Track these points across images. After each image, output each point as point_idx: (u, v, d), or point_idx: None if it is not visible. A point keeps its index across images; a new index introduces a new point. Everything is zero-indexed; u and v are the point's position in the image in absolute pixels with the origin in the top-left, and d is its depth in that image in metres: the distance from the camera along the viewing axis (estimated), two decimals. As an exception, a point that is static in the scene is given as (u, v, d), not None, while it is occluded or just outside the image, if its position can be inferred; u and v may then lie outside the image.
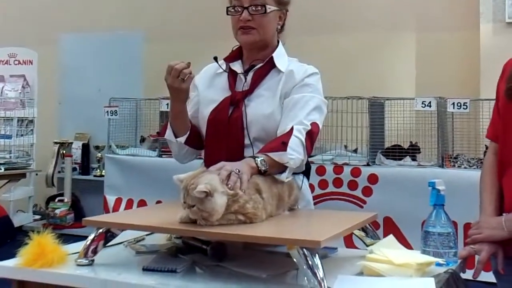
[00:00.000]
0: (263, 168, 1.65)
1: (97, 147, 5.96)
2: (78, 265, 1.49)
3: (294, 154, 1.74)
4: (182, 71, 1.79)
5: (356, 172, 4.19)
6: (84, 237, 1.55)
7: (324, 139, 4.32)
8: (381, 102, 4.42)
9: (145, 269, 1.45)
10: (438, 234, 1.55)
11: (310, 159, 2.00)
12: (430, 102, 4.13)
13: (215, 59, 1.98)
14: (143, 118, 5.44)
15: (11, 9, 6.91)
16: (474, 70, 4.74)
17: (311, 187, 2.09)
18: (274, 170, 1.70)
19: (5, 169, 5.22)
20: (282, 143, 1.74)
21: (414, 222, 3.68)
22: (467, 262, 1.63)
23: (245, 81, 1.93)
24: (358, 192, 4.16)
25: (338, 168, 4.23)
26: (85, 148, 6.14)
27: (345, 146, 4.46)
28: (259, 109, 1.87)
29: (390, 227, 3.87)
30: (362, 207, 4.10)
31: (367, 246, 1.66)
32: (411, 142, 4.36)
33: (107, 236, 1.54)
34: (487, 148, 1.98)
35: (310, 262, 1.29)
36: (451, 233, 1.56)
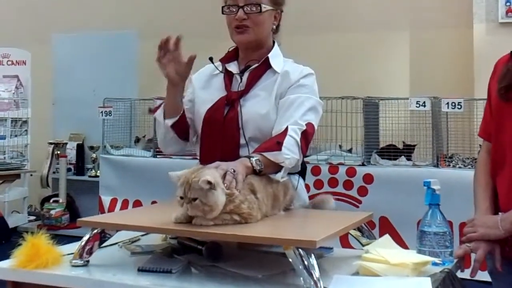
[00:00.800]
0: (258, 168, 1.65)
1: (91, 148, 5.95)
2: (73, 266, 1.48)
3: (289, 154, 1.74)
4: (162, 43, 1.82)
5: (351, 172, 4.19)
6: (80, 238, 1.55)
7: (318, 139, 4.32)
8: (376, 102, 4.43)
9: (140, 270, 1.44)
10: (434, 233, 1.55)
11: (305, 159, 2.00)
12: (424, 102, 4.14)
13: (211, 59, 1.98)
14: (138, 119, 5.43)
15: (4, 9, 6.88)
16: (468, 70, 4.75)
17: (307, 187, 2.09)
18: (269, 170, 1.70)
19: (0, 170, 5.21)
20: (277, 143, 1.74)
21: (410, 221, 3.69)
22: (464, 261, 1.63)
23: (241, 81, 1.93)
24: (353, 192, 4.17)
25: (333, 168, 4.24)
26: (80, 148, 6.12)
27: (340, 146, 4.46)
28: (254, 109, 1.87)
29: (386, 227, 3.87)
30: (357, 207, 4.10)
31: (363, 246, 1.66)
32: (403, 142, 4.36)
33: (102, 236, 1.54)
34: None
35: (305, 262, 1.29)
36: (447, 233, 1.56)
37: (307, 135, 1.81)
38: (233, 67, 1.97)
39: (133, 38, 6.00)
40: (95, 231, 1.53)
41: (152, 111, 2.04)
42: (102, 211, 5.03)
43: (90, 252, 1.51)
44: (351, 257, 1.61)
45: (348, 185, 4.20)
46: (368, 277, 1.41)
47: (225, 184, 1.47)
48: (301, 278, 1.29)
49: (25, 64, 6.12)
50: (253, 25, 1.90)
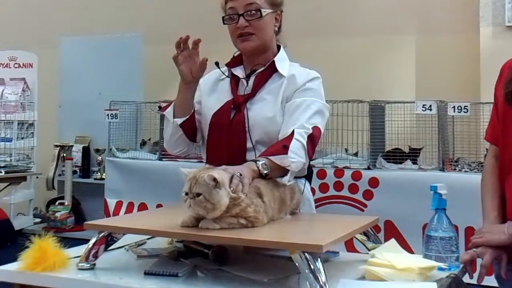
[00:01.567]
0: (265, 172, 1.66)
1: (97, 150, 5.96)
2: (80, 269, 1.49)
3: (296, 157, 1.74)
4: (176, 43, 1.83)
5: (356, 175, 4.18)
6: (85, 241, 1.55)
7: (324, 143, 4.32)
8: (382, 106, 4.42)
9: (147, 273, 1.45)
10: (440, 238, 1.55)
11: (311, 163, 2.00)
12: (430, 106, 4.13)
13: (217, 64, 1.98)
14: (144, 122, 5.44)
15: (11, 12, 6.91)
16: (474, 74, 4.74)
17: (312, 190, 2.09)
18: (275, 174, 1.70)
19: (6, 172, 5.23)
20: (283, 147, 1.74)
21: (415, 225, 3.69)
22: (474, 265, 1.62)
23: (247, 85, 1.93)
24: (359, 196, 4.16)
25: (339, 172, 4.23)
26: (86, 151, 6.13)
27: (346, 150, 4.46)
28: (261, 112, 1.87)
29: (391, 231, 3.86)
30: (363, 210, 4.10)
31: (369, 250, 1.66)
32: (409, 146, 4.35)
33: (109, 240, 1.54)
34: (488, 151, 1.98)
35: (312, 266, 1.29)
36: (453, 238, 1.55)
37: (313, 139, 1.81)
38: (239, 71, 1.97)
39: (139, 42, 6.01)
40: (102, 234, 1.53)
41: (161, 109, 2.05)
42: (107, 214, 5.04)
43: (96, 255, 1.52)
44: (357, 261, 1.60)
45: (353, 188, 4.19)
46: (374, 281, 1.41)
47: (232, 188, 1.47)
48: (307, 282, 1.29)
49: (32, 67, 6.14)
50: (255, 31, 1.90)
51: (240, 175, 1.53)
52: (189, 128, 1.96)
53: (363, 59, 5.37)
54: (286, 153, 1.72)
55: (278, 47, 2.01)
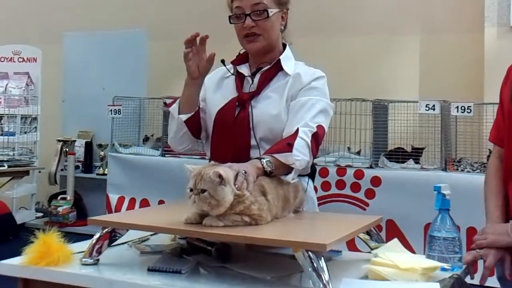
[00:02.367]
0: (269, 169, 1.66)
1: (100, 146, 5.96)
2: (83, 264, 1.49)
3: (300, 155, 1.74)
4: (186, 41, 1.84)
5: (359, 174, 4.19)
6: (87, 235, 1.56)
7: (327, 141, 4.32)
8: (385, 105, 4.42)
9: (150, 270, 1.45)
10: (443, 238, 1.55)
11: (314, 161, 2.00)
12: (433, 105, 4.13)
13: (223, 62, 1.98)
14: (147, 117, 5.45)
15: (16, 7, 6.92)
16: (478, 74, 4.74)
17: (314, 189, 2.09)
18: (280, 172, 1.71)
19: (8, 166, 5.22)
20: (287, 144, 1.74)
21: (417, 225, 3.69)
22: (475, 266, 1.62)
23: (252, 83, 1.93)
24: (361, 195, 4.16)
25: (341, 170, 4.24)
26: (88, 146, 6.14)
27: (349, 148, 4.46)
28: (265, 110, 1.88)
29: (393, 230, 3.86)
30: (364, 209, 4.10)
31: (372, 249, 1.66)
32: (412, 145, 4.35)
33: (112, 235, 1.55)
34: (490, 152, 1.98)
35: (315, 265, 1.29)
36: (456, 238, 1.56)
37: (317, 137, 1.81)
38: (244, 69, 1.97)
39: (143, 37, 6.01)
40: (106, 230, 1.54)
41: (167, 105, 2.05)
42: (109, 209, 5.05)
43: (99, 251, 1.52)
44: (359, 260, 1.61)
45: (355, 187, 4.20)
46: (377, 281, 1.41)
47: (236, 185, 1.48)
48: (310, 281, 1.30)
49: (35, 61, 6.15)
50: (262, 31, 1.90)
51: (245, 172, 1.53)
52: (194, 125, 1.96)
53: (367, 58, 5.37)
54: (291, 151, 1.73)
55: (284, 45, 2.01)
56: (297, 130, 1.79)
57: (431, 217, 1.62)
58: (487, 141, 3.85)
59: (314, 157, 1.88)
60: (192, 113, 1.93)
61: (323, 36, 5.43)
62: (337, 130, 4.26)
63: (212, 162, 1.56)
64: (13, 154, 5.57)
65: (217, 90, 2.00)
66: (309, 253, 1.30)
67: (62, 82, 6.35)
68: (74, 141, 6.01)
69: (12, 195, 5.66)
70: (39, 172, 5.94)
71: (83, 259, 1.50)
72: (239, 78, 1.97)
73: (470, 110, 4.05)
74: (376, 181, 4.14)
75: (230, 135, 1.88)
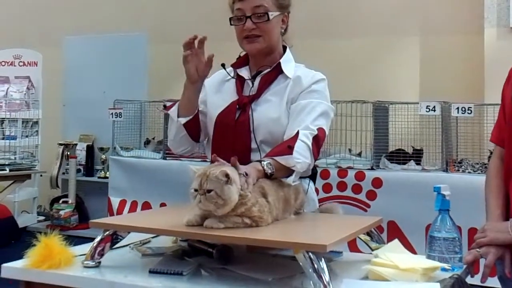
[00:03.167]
0: (270, 171, 1.66)
1: (101, 149, 5.98)
2: (85, 267, 1.50)
3: (301, 158, 1.75)
4: (185, 44, 1.83)
5: (360, 175, 4.19)
6: (88, 239, 1.56)
7: (328, 143, 4.32)
8: (386, 106, 4.43)
9: (152, 272, 1.46)
10: (444, 239, 1.55)
11: (315, 163, 2.01)
12: (434, 107, 4.13)
13: (223, 66, 1.99)
14: (148, 120, 5.46)
15: (16, 11, 6.94)
16: (478, 75, 4.74)
17: (316, 191, 2.10)
18: (280, 174, 1.71)
19: (10, 170, 5.24)
20: (288, 147, 1.75)
21: (418, 226, 3.69)
22: (474, 266, 1.62)
23: (252, 86, 1.94)
24: (362, 196, 4.17)
25: (342, 172, 4.24)
26: (90, 149, 6.16)
27: (350, 150, 4.47)
28: (266, 113, 1.88)
29: (394, 231, 3.86)
30: (366, 211, 4.10)
31: (372, 250, 1.66)
32: (413, 147, 4.36)
33: (114, 238, 1.55)
34: (491, 153, 1.98)
35: (316, 266, 1.30)
36: (457, 238, 1.56)
37: (318, 140, 1.82)
38: (244, 72, 1.98)
39: (143, 41, 6.03)
40: (107, 232, 1.54)
41: (166, 108, 2.05)
42: (111, 213, 5.05)
43: (101, 254, 1.53)
44: (360, 261, 1.61)
45: (357, 189, 4.20)
46: (378, 281, 1.41)
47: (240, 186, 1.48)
48: (311, 282, 1.30)
49: (36, 65, 6.16)
50: (262, 33, 1.91)
51: (246, 174, 1.53)
52: (193, 128, 1.97)
53: (368, 59, 5.37)
54: (291, 153, 1.73)
55: (284, 48, 2.02)
56: (298, 132, 1.79)
57: (432, 218, 1.62)
58: (487, 142, 3.86)
59: (316, 160, 1.88)
60: (191, 116, 1.94)
61: (324, 38, 5.44)
62: (338, 132, 4.26)
63: (217, 162, 1.56)
64: (15, 158, 5.58)
65: (218, 93, 2.00)
66: (310, 254, 1.30)
67: (63, 86, 6.37)
68: (76, 144, 6.02)
69: (14, 199, 5.68)
70: (41, 175, 5.95)
71: (85, 262, 1.51)
72: (239, 81, 1.97)
73: (471, 111, 4.05)
74: (377, 182, 4.15)
75: (230, 138, 1.88)
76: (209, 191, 1.43)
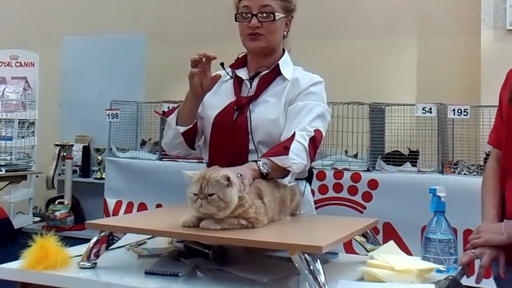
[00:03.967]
0: (265, 171, 1.67)
1: (97, 150, 5.97)
2: (81, 268, 1.50)
3: (297, 159, 1.75)
4: (193, 60, 1.81)
5: (356, 177, 4.19)
6: (84, 240, 1.56)
7: (324, 144, 4.32)
8: (382, 108, 4.43)
9: (147, 273, 1.46)
10: (439, 240, 1.56)
11: (311, 164, 2.01)
12: (430, 108, 4.14)
13: (222, 65, 1.99)
14: (144, 122, 5.45)
15: (13, 11, 6.93)
16: (475, 77, 4.75)
17: (311, 192, 2.10)
18: (276, 174, 1.71)
19: (6, 171, 5.24)
20: (284, 148, 1.76)
21: (414, 228, 3.70)
22: (472, 267, 1.63)
23: (250, 87, 1.95)
24: (358, 198, 4.17)
25: (338, 173, 4.24)
26: (86, 150, 6.15)
27: (346, 151, 4.47)
28: (264, 114, 1.89)
29: (390, 233, 3.87)
30: (362, 212, 4.10)
31: (368, 251, 1.67)
32: (409, 148, 4.36)
33: (110, 239, 1.55)
34: (487, 154, 2.00)
35: (311, 267, 1.30)
36: (452, 240, 1.57)
37: (315, 141, 1.83)
38: (242, 73, 1.98)
39: (141, 42, 6.03)
40: (103, 233, 1.54)
41: (165, 114, 2.04)
42: (107, 214, 5.05)
43: (97, 255, 1.53)
44: (356, 262, 1.62)
45: (352, 190, 4.20)
46: (373, 283, 1.42)
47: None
48: (307, 283, 1.30)
49: (33, 66, 6.15)
50: (266, 32, 1.92)
51: (241, 175, 1.54)
52: (190, 137, 1.97)
53: (364, 61, 5.38)
54: (287, 154, 1.73)
55: (283, 51, 2.03)
56: (294, 134, 1.80)
57: (427, 219, 1.62)
58: (483, 144, 3.88)
59: (312, 161, 1.89)
60: (190, 126, 1.94)
61: (320, 40, 5.44)
62: (334, 133, 4.27)
63: (215, 166, 1.55)
64: (11, 158, 5.58)
65: (216, 94, 2.00)
66: (306, 255, 1.31)
67: (60, 87, 6.36)
68: (72, 145, 6.01)
69: (9, 200, 5.67)
70: (37, 176, 5.95)
71: (81, 263, 1.51)
72: (238, 82, 1.98)
73: (467, 113, 4.06)
74: (373, 184, 4.15)
75: (228, 139, 1.89)
76: (210, 195, 1.43)
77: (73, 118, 6.22)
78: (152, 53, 6.01)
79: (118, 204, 5.06)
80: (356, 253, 1.99)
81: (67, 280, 1.44)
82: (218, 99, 1.97)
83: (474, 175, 3.96)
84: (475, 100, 4.48)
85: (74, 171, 6.00)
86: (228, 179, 1.44)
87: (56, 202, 5.75)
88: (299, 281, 1.38)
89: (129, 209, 4.97)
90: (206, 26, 5.63)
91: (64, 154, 5.88)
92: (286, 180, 1.73)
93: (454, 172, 4.10)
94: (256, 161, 1.70)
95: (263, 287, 1.38)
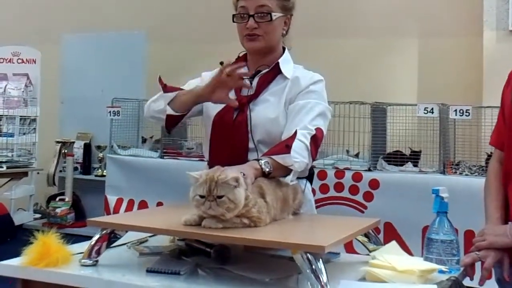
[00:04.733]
0: (267, 170, 1.66)
1: (98, 147, 5.97)
2: (83, 265, 1.50)
3: (299, 157, 1.75)
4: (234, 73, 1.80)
5: (357, 177, 4.19)
6: (85, 237, 1.56)
7: (326, 144, 4.32)
8: (384, 108, 4.43)
9: (149, 271, 1.46)
10: (441, 241, 1.56)
11: (312, 163, 2.01)
12: (432, 109, 4.13)
13: (221, 64, 1.99)
14: (145, 119, 5.42)
15: (15, 8, 6.92)
16: (477, 77, 4.74)
17: (312, 191, 2.10)
18: (278, 173, 1.71)
19: (7, 168, 5.24)
20: (285, 146, 1.75)
21: (415, 228, 3.70)
22: (473, 268, 1.62)
23: (251, 86, 1.94)
24: (359, 197, 4.16)
25: (340, 173, 4.24)
26: (87, 147, 6.15)
27: (347, 151, 4.46)
28: (264, 113, 1.89)
29: (391, 233, 3.86)
30: (363, 212, 4.10)
31: (370, 251, 1.67)
32: (410, 149, 4.36)
33: (111, 237, 1.55)
34: (488, 155, 1.99)
35: (313, 267, 1.30)
36: (454, 241, 1.56)
37: (316, 140, 1.82)
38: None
39: (142, 39, 6.03)
40: (105, 231, 1.54)
41: (165, 87, 2.01)
42: (108, 211, 5.04)
43: (98, 252, 1.53)
44: (357, 262, 1.62)
45: (354, 190, 4.20)
46: (375, 283, 1.41)
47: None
48: (309, 283, 1.30)
49: (35, 62, 6.14)
50: (263, 33, 1.91)
51: (243, 175, 1.53)
52: (171, 122, 1.95)
53: (366, 61, 5.37)
54: (289, 153, 1.73)
55: (283, 49, 2.02)
56: (296, 132, 1.79)
57: (429, 220, 1.62)
58: (485, 145, 3.87)
59: (313, 160, 1.89)
60: (178, 113, 1.93)
61: (322, 39, 5.43)
62: (336, 132, 4.26)
63: (218, 166, 1.53)
64: (12, 155, 5.58)
65: None
66: (308, 255, 1.31)
67: (61, 84, 6.36)
68: (73, 142, 6.01)
69: (10, 196, 5.66)
70: (38, 173, 5.94)
71: (82, 260, 1.51)
72: (238, 80, 1.97)
73: (469, 113, 4.05)
74: (374, 184, 4.15)
75: (228, 138, 1.89)
76: (219, 196, 1.43)
77: (74, 115, 6.22)
78: (153, 50, 6.00)
79: (119, 201, 5.06)
80: (357, 253, 1.99)
81: (68, 278, 1.44)
82: None
83: (476, 175, 3.95)
84: (477, 100, 4.47)
85: (75, 168, 6.00)
86: (237, 180, 1.43)
87: (57, 199, 5.76)
88: (301, 280, 1.38)
89: (130, 207, 4.97)
90: (207, 23, 5.63)
91: (65, 151, 5.89)
92: (289, 179, 1.72)
93: (456, 172, 4.10)
94: (258, 159, 1.70)
95: (265, 286, 1.38)
